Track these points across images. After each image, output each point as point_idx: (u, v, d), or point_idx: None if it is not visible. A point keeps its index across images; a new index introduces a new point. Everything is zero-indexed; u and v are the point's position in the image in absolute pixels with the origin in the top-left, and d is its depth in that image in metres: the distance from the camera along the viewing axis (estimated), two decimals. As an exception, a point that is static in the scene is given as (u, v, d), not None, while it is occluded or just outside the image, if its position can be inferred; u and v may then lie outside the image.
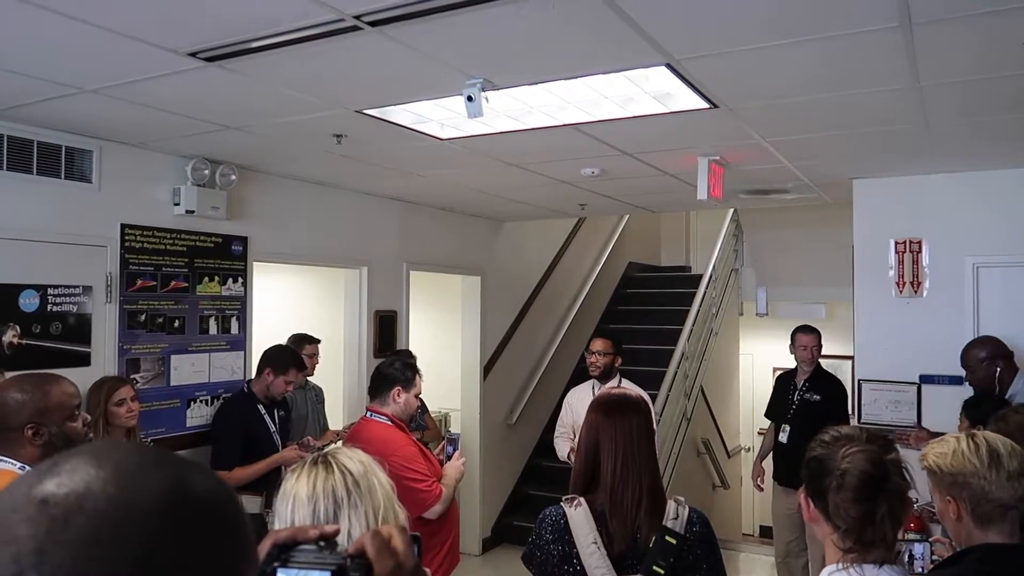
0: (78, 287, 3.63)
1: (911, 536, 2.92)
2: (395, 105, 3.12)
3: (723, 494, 8.03)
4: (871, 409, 4.70)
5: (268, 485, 3.78)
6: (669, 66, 2.58)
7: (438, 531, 3.07)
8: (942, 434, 1.95)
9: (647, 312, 8.35)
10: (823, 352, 5.02)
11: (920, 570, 2.60)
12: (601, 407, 2.16)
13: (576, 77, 2.71)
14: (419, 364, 3.53)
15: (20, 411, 2.02)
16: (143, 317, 3.91)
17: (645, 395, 4.37)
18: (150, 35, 2.31)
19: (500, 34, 2.31)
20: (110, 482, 0.56)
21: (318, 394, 4.86)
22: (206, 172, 4.07)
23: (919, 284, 4.63)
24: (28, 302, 3.43)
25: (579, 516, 2.02)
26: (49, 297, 3.51)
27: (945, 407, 4.37)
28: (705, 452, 7.71)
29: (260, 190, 4.54)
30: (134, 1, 2.07)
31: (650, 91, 2.90)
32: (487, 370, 6.62)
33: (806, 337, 4.95)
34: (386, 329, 5.49)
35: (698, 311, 7.43)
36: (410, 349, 5.37)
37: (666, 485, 4.44)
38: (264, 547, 0.88)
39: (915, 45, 2.38)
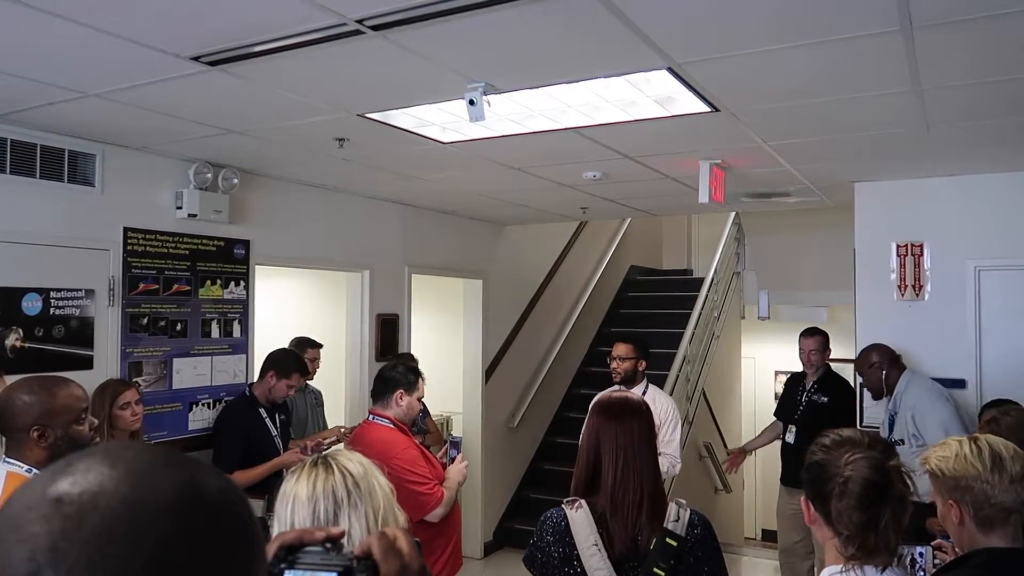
0: (81, 290, 3.64)
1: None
2: (397, 109, 3.13)
3: (725, 497, 8.02)
4: (872, 412, 4.69)
5: (269, 488, 3.78)
6: (670, 70, 2.58)
7: (440, 534, 3.07)
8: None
9: (649, 315, 8.34)
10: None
11: (922, 574, 2.59)
12: (602, 410, 2.17)
13: (577, 81, 2.72)
14: (421, 367, 3.53)
15: (27, 413, 2.03)
16: (145, 320, 3.92)
17: (671, 402, 4.36)
18: (153, 39, 2.32)
19: (502, 38, 2.31)
20: (123, 481, 0.57)
21: (317, 397, 4.87)
22: (208, 176, 4.08)
23: (921, 287, 4.63)
24: (31, 305, 3.44)
25: (580, 518, 2.02)
26: (52, 300, 3.52)
27: (947, 410, 4.37)
28: (707, 455, 7.71)
29: (262, 194, 4.55)
30: (138, 6, 2.08)
31: (651, 95, 2.91)
32: (489, 373, 6.62)
33: (804, 340, 5.01)
34: (388, 332, 5.49)
35: (700, 315, 7.43)
36: (412, 352, 5.38)
37: (668, 488, 4.43)
38: (271, 549, 0.88)
39: (915, 48, 2.38)
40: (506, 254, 6.91)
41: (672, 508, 2.04)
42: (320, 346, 4.81)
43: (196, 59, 2.47)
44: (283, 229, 4.70)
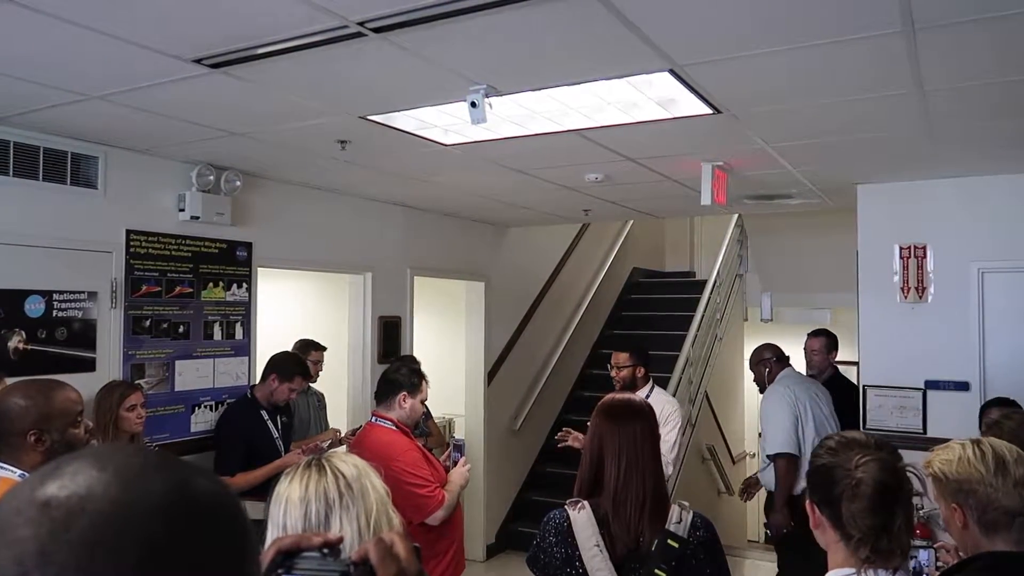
0: (83, 293, 3.65)
1: (917, 543, 2.90)
2: (399, 111, 3.13)
3: (728, 500, 8.00)
4: (876, 415, 4.69)
5: (271, 491, 3.77)
6: (672, 72, 2.58)
7: (443, 537, 3.07)
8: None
9: (651, 318, 8.34)
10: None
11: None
12: (605, 412, 2.17)
13: (579, 83, 2.72)
14: (423, 370, 3.53)
15: (23, 417, 2.02)
16: (148, 322, 3.92)
17: (672, 403, 4.36)
18: (155, 42, 2.32)
19: (504, 40, 2.31)
20: (112, 484, 0.56)
21: (320, 399, 4.87)
22: (211, 178, 4.09)
23: (924, 289, 4.62)
24: (34, 307, 3.45)
25: (582, 519, 2.02)
26: (54, 303, 3.52)
27: (951, 412, 4.36)
28: (710, 458, 7.70)
29: (264, 196, 4.56)
30: (140, 8, 2.08)
31: (653, 97, 2.91)
32: (491, 375, 6.62)
33: (807, 341, 5.03)
34: (390, 334, 5.49)
35: (702, 316, 7.42)
36: (414, 355, 5.37)
37: (671, 490, 4.42)
38: (268, 555, 0.88)
39: (918, 50, 2.38)
40: (508, 256, 6.91)
41: (675, 510, 2.04)
42: (324, 348, 4.82)
43: (198, 61, 2.48)
44: (285, 231, 4.70)
